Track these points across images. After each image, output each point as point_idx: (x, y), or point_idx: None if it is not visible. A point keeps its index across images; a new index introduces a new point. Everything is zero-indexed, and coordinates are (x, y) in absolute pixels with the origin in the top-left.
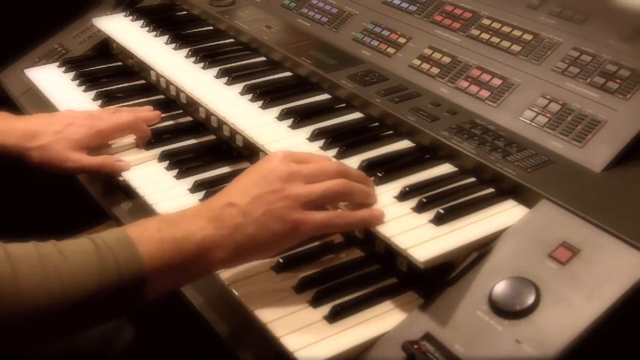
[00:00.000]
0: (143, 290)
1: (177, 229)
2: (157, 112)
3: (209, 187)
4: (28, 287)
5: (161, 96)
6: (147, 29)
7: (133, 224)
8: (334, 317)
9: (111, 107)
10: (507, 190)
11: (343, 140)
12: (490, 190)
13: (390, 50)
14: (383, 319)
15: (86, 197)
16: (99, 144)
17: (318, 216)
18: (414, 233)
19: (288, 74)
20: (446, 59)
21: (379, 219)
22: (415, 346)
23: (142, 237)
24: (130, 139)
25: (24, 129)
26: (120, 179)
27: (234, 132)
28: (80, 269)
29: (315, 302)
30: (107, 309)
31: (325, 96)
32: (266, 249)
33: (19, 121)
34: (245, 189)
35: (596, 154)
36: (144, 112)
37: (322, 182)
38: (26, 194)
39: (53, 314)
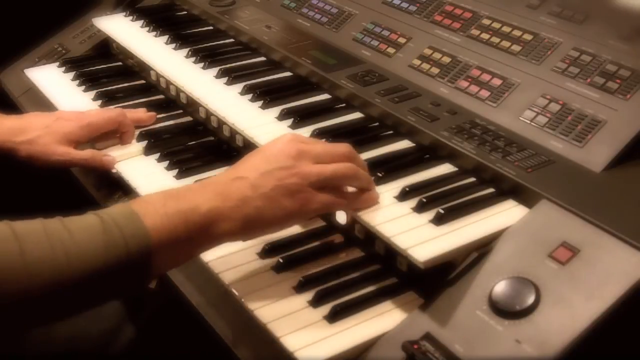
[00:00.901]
0: (150, 264)
1: (183, 202)
2: (152, 114)
3: None
4: (35, 263)
5: (161, 96)
6: (147, 29)
7: (137, 199)
8: (334, 317)
9: (104, 108)
10: (507, 190)
11: (343, 140)
12: (490, 190)
13: (390, 50)
14: (383, 319)
15: (86, 197)
16: (88, 137)
17: (324, 197)
18: (414, 233)
19: (288, 74)
20: (446, 59)
21: (373, 201)
22: (415, 346)
23: (147, 211)
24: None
25: (11, 125)
26: (119, 175)
27: (234, 132)
28: (86, 243)
29: (315, 302)
30: (115, 285)
31: (325, 96)
32: (272, 225)
33: (6, 119)
34: (254, 166)
35: (596, 154)
36: (134, 112)
37: (330, 163)
38: (26, 194)
39: (61, 289)
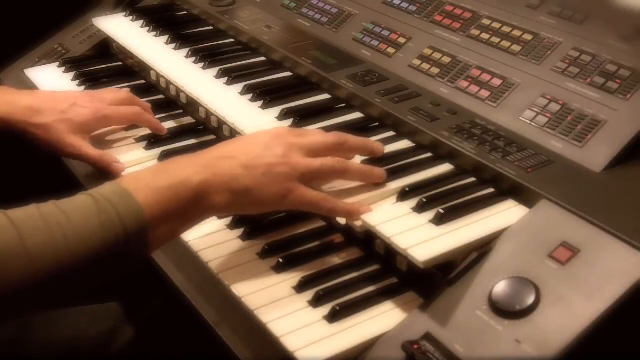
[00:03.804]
0: (146, 240)
1: (172, 176)
2: (164, 128)
3: None
4: (35, 249)
5: (161, 96)
6: (147, 29)
7: (127, 176)
8: (334, 317)
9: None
10: (507, 190)
11: None
12: (490, 190)
13: (390, 50)
14: (383, 319)
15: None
16: (102, 128)
17: (308, 193)
18: (414, 233)
19: (288, 74)
20: (446, 59)
21: (364, 213)
22: (415, 346)
23: (138, 187)
24: (132, 137)
25: (27, 104)
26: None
27: (234, 132)
28: (83, 224)
29: (315, 302)
30: (115, 263)
31: (325, 96)
32: (257, 205)
33: (21, 95)
34: (247, 148)
35: (596, 154)
36: (151, 118)
37: (321, 156)
38: (27, 195)
39: (62, 272)
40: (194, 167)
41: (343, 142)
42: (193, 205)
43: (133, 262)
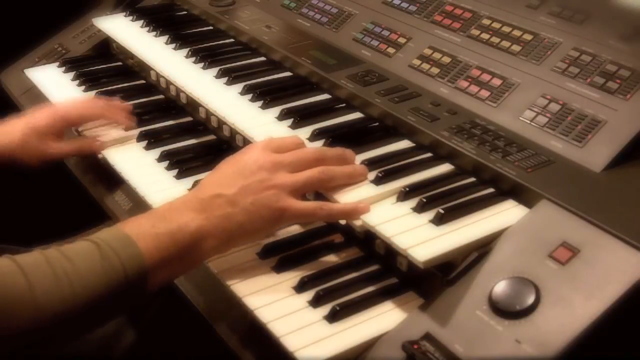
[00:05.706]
0: (146, 284)
1: (170, 223)
2: (131, 123)
3: None
4: (43, 295)
5: (161, 96)
6: (147, 29)
7: (126, 222)
8: (334, 317)
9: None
10: (507, 190)
11: (343, 140)
12: (490, 190)
13: (390, 50)
14: (383, 319)
15: (86, 197)
16: (66, 127)
17: (302, 205)
18: (414, 233)
19: (288, 74)
20: (446, 59)
21: (362, 212)
22: (415, 346)
23: (139, 234)
24: (132, 137)
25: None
26: (116, 170)
27: (234, 132)
28: (88, 271)
29: (315, 302)
30: (115, 306)
31: (325, 96)
32: (254, 235)
33: None
34: (231, 180)
35: (596, 154)
36: (115, 113)
37: (303, 170)
38: (28, 196)
39: (67, 317)
40: (189, 213)
41: (322, 158)
42: (190, 251)
43: (133, 304)
